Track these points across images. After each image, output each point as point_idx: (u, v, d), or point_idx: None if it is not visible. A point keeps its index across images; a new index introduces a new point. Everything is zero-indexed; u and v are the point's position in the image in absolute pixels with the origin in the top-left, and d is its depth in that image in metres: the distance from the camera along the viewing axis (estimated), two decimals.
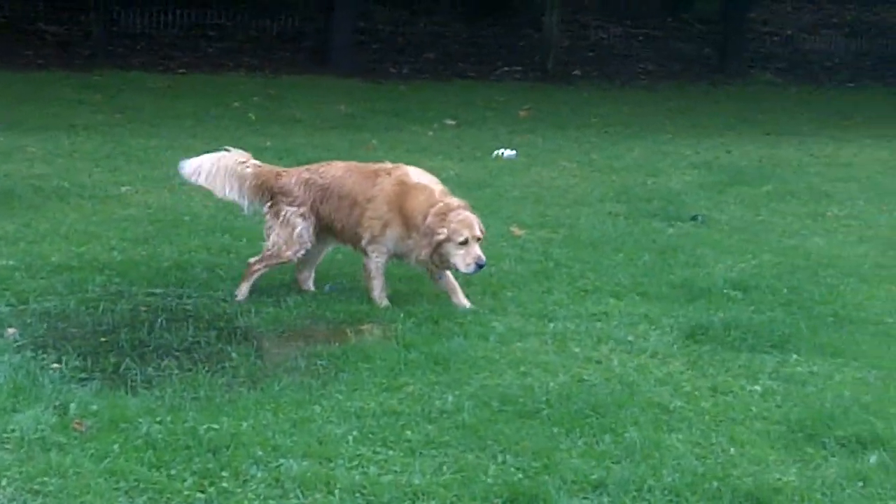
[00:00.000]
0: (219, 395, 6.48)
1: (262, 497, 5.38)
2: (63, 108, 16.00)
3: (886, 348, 7.88)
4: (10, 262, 8.58)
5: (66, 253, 8.91)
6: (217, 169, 8.43)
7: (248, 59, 21.27)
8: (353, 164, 8.67)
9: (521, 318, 8.08)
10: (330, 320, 7.90)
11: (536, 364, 7.21)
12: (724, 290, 8.88)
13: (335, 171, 8.45)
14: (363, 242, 8.30)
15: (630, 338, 7.81)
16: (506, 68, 22.51)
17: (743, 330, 7.93)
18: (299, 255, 8.34)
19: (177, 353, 7.13)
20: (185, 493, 5.38)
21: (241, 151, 8.59)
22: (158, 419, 6.05)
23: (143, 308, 7.85)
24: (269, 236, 8.39)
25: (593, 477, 5.72)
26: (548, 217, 11.10)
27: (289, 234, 8.29)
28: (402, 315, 7.96)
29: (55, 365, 6.77)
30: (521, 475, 5.71)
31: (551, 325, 7.97)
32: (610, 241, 10.28)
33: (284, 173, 8.52)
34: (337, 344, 7.41)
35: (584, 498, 5.57)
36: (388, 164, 8.51)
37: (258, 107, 16.99)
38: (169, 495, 5.35)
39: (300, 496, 5.42)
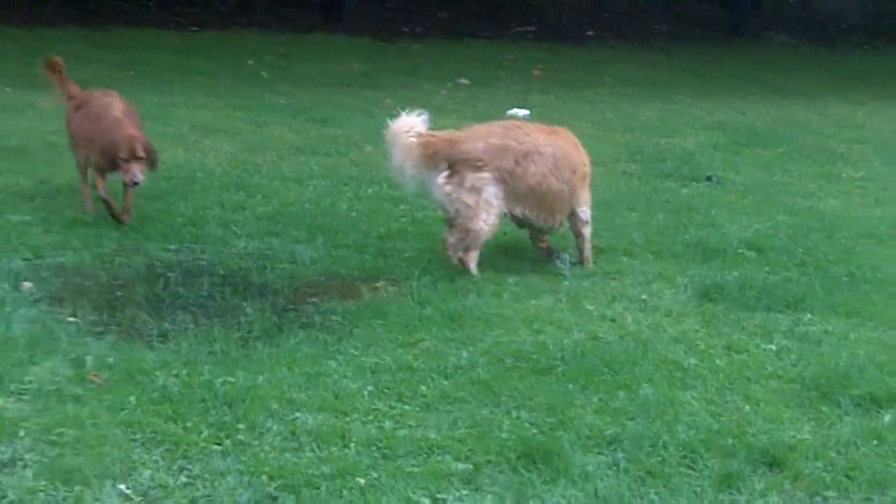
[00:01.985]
0: (234, 350, 6.52)
1: (277, 449, 5.42)
2: (75, 65, 15.79)
3: None
4: (26, 218, 8.60)
5: (81, 208, 8.92)
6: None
7: (260, 16, 21.16)
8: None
9: (535, 275, 8.11)
10: (344, 277, 7.92)
11: (550, 321, 7.24)
12: (739, 250, 8.90)
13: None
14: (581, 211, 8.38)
15: (644, 296, 7.83)
16: (519, 28, 22.41)
17: (757, 289, 7.96)
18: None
19: (192, 308, 7.16)
20: (202, 444, 5.42)
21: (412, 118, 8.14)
22: (174, 372, 6.10)
23: (159, 263, 7.88)
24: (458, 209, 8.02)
25: (608, 433, 5.76)
26: None
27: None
28: (416, 272, 7.98)
29: (71, 318, 6.81)
30: (535, 430, 5.75)
31: (565, 283, 8.00)
32: (624, 200, 10.28)
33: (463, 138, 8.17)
34: (352, 300, 7.45)
35: (599, 453, 5.60)
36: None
37: (271, 65, 16.93)
38: (185, 447, 5.39)
39: (316, 449, 5.46)
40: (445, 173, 7.98)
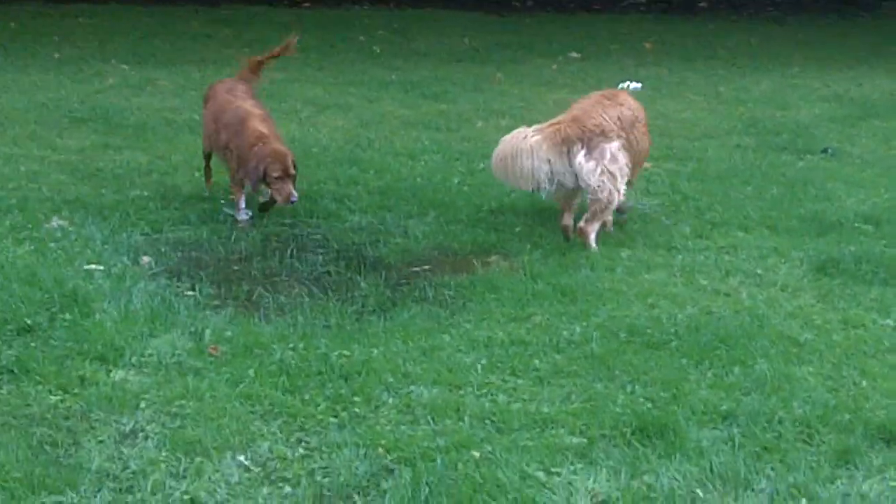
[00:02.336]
0: (349, 324, 6.58)
1: (393, 422, 5.46)
2: (192, 42, 16.16)
3: None
4: (145, 193, 8.74)
5: (198, 184, 9.04)
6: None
7: None
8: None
9: (649, 250, 8.06)
10: (457, 251, 7.94)
11: (664, 296, 7.20)
12: (856, 224, 8.77)
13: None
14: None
15: (759, 271, 7.76)
16: (631, 1, 22.26)
17: (874, 264, 7.84)
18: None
19: (307, 282, 7.24)
20: (319, 417, 5.48)
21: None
22: (291, 346, 6.17)
23: (274, 238, 7.97)
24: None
25: (723, 408, 5.72)
26: (675, 150, 11.01)
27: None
28: (528, 246, 7.99)
29: (189, 292, 6.91)
30: (650, 405, 5.72)
31: (679, 257, 7.94)
32: (738, 173, 10.18)
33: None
34: (464, 274, 7.47)
35: (714, 428, 5.56)
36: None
37: (382, 40, 17.01)
38: (303, 419, 5.45)
39: (431, 422, 5.49)
40: (583, 151, 7.96)
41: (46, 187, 8.76)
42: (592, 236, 8.03)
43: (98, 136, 10.40)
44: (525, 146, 7.93)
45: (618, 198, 8.06)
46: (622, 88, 13.78)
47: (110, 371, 5.79)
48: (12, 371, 5.70)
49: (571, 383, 5.95)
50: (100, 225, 7.93)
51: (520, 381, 5.96)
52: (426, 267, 7.60)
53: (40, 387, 5.59)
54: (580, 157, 7.94)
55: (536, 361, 6.17)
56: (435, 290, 7.17)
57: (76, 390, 5.58)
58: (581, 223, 8.04)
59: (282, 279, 7.28)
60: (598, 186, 7.95)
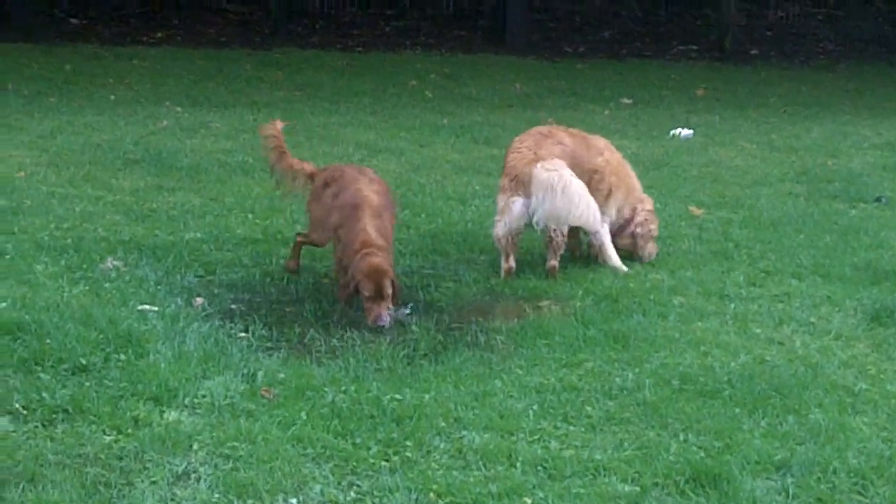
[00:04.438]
0: (400, 367, 6.57)
1: (445, 467, 5.44)
2: (245, 84, 16.28)
3: None
4: (198, 235, 8.78)
5: (251, 226, 9.08)
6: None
7: (424, 37, 21.38)
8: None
9: (701, 297, 8.03)
10: (508, 296, 7.94)
11: (717, 344, 7.15)
12: None
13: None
14: None
15: (812, 319, 7.70)
16: (682, 47, 22.27)
17: None
18: None
19: (359, 325, 7.23)
20: (371, 461, 5.47)
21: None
22: (343, 388, 6.17)
23: (326, 280, 7.98)
24: None
25: (777, 458, 5.67)
26: (727, 197, 10.97)
27: None
28: (580, 292, 7.97)
29: (242, 334, 6.92)
30: (703, 454, 5.68)
31: (731, 305, 7.90)
32: (790, 221, 10.12)
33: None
34: (516, 320, 7.45)
35: (768, 478, 5.52)
36: None
37: (435, 85, 17.09)
38: (354, 463, 5.44)
39: (483, 468, 5.46)
40: None
41: (101, 227, 8.81)
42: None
43: (152, 178, 10.46)
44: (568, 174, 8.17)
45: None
46: (674, 135, 13.81)
47: (164, 412, 5.80)
48: (67, 410, 5.72)
49: (624, 430, 5.92)
50: (154, 266, 7.97)
51: (572, 428, 5.93)
52: (478, 316, 7.58)
53: (94, 426, 5.61)
54: None
55: (588, 408, 6.14)
56: (486, 335, 7.16)
57: (130, 431, 5.59)
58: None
59: (334, 322, 7.28)
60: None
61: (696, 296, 8.05)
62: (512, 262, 8.30)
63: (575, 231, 8.51)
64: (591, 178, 8.52)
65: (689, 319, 7.57)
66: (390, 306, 7.28)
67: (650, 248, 8.85)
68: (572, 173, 8.19)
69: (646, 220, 8.81)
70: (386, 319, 7.22)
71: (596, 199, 8.39)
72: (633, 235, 8.80)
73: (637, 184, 8.96)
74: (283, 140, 8.15)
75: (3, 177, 10.13)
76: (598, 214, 8.27)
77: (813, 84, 19.38)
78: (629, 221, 8.80)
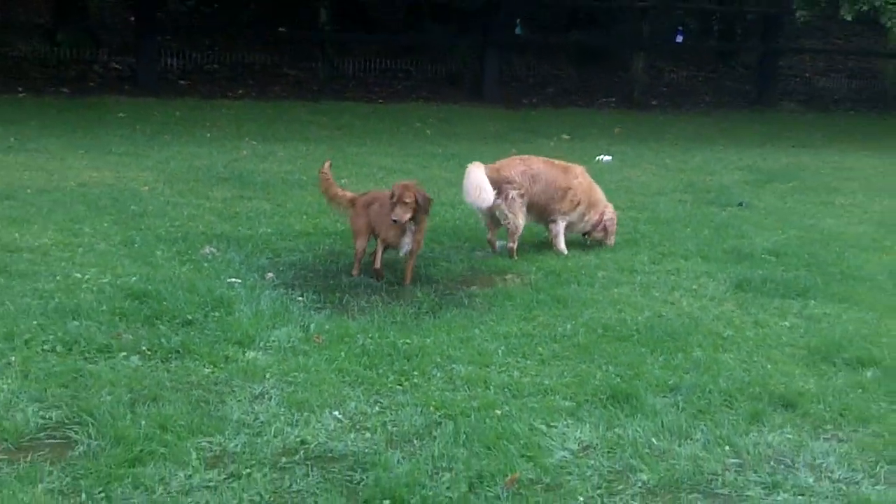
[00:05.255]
0: (409, 321, 6.56)
1: (441, 389, 5.45)
2: (299, 126, 16.23)
3: (878, 296, 7.67)
4: (269, 230, 8.75)
5: (306, 224, 9.06)
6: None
7: (425, 93, 21.31)
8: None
9: (617, 271, 8.03)
10: (484, 272, 7.92)
11: (628, 304, 7.16)
12: (762, 256, 8.71)
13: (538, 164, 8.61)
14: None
15: (695, 287, 7.71)
16: (604, 99, 22.24)
17: (776, 283, 7.78)
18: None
19: (381, 292, 7.22)
20: (389, 385, 5.47)
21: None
22: (370, 335, 6.16)
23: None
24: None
25: (670, 382, 5.69)
26: (635, 203, 10.97)
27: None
28: (534, 268, 7.97)
29: (300, 298, 6.91)
30: (619, 380, 5.68)
31: (638, 277, 7.90)
32: (680, 219, 10.12)
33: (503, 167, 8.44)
34: (489, 288, 7.45)
35: (664, 397, 5.52)
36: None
37: (433, 126, 17.03)
38: (378, 387, 5.45)
39: (467, 389, 5.47)
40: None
41: (201, 225, 8.79)
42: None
43: (236, 191, 10.44)
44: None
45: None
46: (598, 160, 13.79)
47: (245, 352, 5.80)
48: (178, 351, 5.73)
49: (564, 364, 5.93)
50: (238, 251, 7.96)
51: (528, 362, 5.94)
52: (463, 285, 7.57)
53: (197, 362, 5.62)
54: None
55: (540, 349, 6.15)
56: (469, 298, 7.16)
57: (222, 365, 5.60)
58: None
59: (363, 290, 7.27)
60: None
61: (613, 270, 8.05)
62: (489, 236, 8.51)
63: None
64: (566, 192, 8.58)
65: (609, 287, 7.57)
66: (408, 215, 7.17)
67: (612, 239, 8.89)
68: (480, 170, 8.16)
69: (611, 219, 8.87)
70: (400, 216, 7.14)
71: (564, 205, 8.56)
72: (605, 229, 8.84)
73: (602, 197, 8.94)
74: (331, 176, 7.94)
75: (134, 190, 10.11)
76: (488, 199, 8.15)
77: (696, 125, 19.34)
78: (599, 221, 8.81)
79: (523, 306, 6.97)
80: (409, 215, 7.25)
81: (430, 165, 12.86)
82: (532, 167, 8.55)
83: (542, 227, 8.80)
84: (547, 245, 8.73)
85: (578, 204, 8.70)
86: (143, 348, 5.74)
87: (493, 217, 8.49)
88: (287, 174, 11.53)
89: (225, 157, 12.59)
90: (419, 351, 5.95)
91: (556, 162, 8.90)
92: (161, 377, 5.39)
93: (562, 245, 8.68)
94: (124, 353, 5.64)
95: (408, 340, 6.11)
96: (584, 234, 8.95)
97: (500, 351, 6.07)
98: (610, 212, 8.92)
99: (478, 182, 8.12)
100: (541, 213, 8.63)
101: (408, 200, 7.22)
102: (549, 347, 6.19)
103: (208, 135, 14.59)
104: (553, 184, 8.55)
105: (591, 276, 7.81)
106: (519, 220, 8.41)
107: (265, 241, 8.38)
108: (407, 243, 7.44)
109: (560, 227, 8.67)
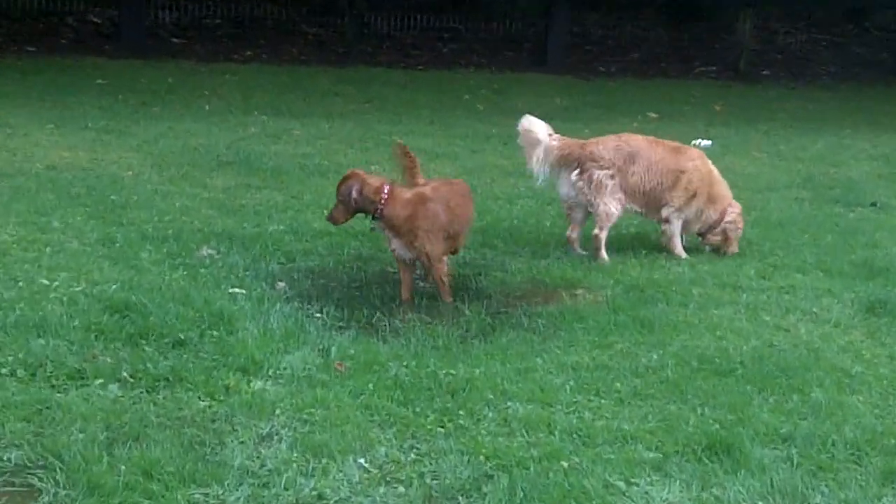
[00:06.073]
0: (455, 346, 6.56)
1: (492, 434, 5.43)
2: (321, 98, 16.32)
3: None
4: (280, 227, 8.80)
5: (327, 221, 9.06)
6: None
7: (476, 58, 21.36)
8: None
9: (717, 288, 7.97)
10: (548, 285, 7.91)
11: (731, 329, 7.10)
12: None
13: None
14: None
15: (815, 309, 7.63)
16: (702, 68, 22.15)
17: None
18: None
19: (419, 309, 7.23)
20: (428, 427, 5.46)
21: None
22: (405, 363, 6.16)
23: (390, 269, 7.94)
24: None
25: (782, 430, 5.62)
26: (740, 200, 10.78)
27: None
28: (611, 282, 7.94)
29: (318, 314, 6.93)
30: (717, 426, 5.63)
31: (744, 295, 7.84)
32: (796, 222, 10.05)
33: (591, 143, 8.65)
34: (554, 305, 7.43)
35: (775, 448, 5.47)
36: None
37: (485, 99, 17.07)
38: (414, 428, 5.44)
39: (525, 434, 5.45)
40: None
41: (197, 220, 8.86)
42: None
43: (241, 178, 10.51)
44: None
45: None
46: (694, 146, 13.70)
47: (251, 381, 5.82)
48: (167, 379, 5.75)
49: (648, 404, 5.89)
50: (242, 254, 8.00)
51: (603, 401, 5.90)
52: (522, 301, 7.56)
53: (191, 393, 5.64)
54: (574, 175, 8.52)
55: (618, 384, 6.11)
56: (529, 318, 7.14)
57: (221, 397, 5.62)
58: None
59: (396, 305, 7.29)
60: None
61: (712, 287, 8.00)
62: (570, 232, 8.71)
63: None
64: (678, 178, 8.64)
65: (706, 307, 7.52)
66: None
67: (734, 246, 8.89)
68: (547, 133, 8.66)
69: (734, 221, 8.86)
70: (333, 217, 7.45)
71: (677, 194, 8.63)
72: (724, 231, 8.84)
73: (726, 192, 8.97)
74: (417, 163, 7.91)
75: (114, 176, 10.22)
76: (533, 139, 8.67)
77: (817, 102, 19.20)
78: (718, 222, 8.84)
79: (597, 330, 6.93)
80: (344, 217, 7.40)
81: (481, 149, 12.87)
82: (630, 143, 8.59)
83: (633, 224, 8.78)
84: (632, 249, 8.70)
85: (695, 195, 8.69)
86: (124, 374, 5.76)
87: (576, 206, 8.56)
88: (305, 158, 11.58)
89: (228, 135, 12.68)
90: (466, 384, 5.92)
91: (665, 141, 8.91)
92: (146, 411, 5.40)
93: (679, 248, 8.72)
94: (101, 381, 5.66)
95: (452, 371, 6.10)
96: (699, 236, 8.93)
97: (567, 386, 6.04)
98: (734, 211, 8.91)
99: (529, 126, 8.42)
100: (647, 203, 8.69)
101: (339, 197, 7.33)
102: (629, 383, 6.14)
103: (207, 107, 14.71)
104: (659, 165, 8.57)
105: (683, 294, 7.76)
106: (610, 206, 8.48)
107: (276, 241, 8.42)
108: (402, 255, 7.38)
109: (676, 226, 8.72)
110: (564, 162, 8.57)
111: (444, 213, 7.36)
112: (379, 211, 7.28)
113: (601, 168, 8.45)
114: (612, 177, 8.45)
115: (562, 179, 8.64)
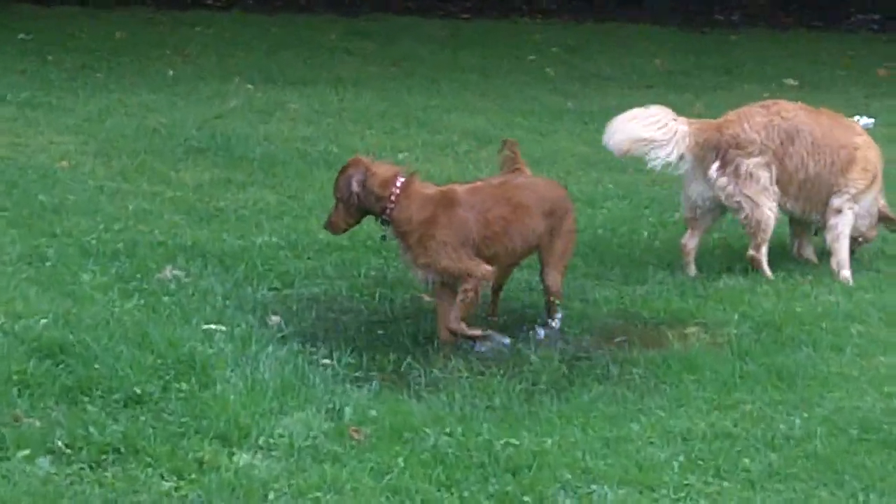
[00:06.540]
0: (517, 405, 6.57)
1: None
2: (328, 57, 16.36)
3: None
4: (274, 240, 8.83)
5: (324, 228, 9.08)
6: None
7: (544, 3, 21.36)
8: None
9: (885, 326, 7.94)
10: (647, 320, 7.92)
11: None
12: None
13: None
14: None
15: None
16: (861, 16, 22.04)
17: None
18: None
19: (466, 353, 7.24)
20: None
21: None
22: (448, 430, 6.16)
23: (427, 297, 7.96)
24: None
25: None
26: None
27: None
28: (735, 317, 7.93)
29: (326, 360, 6.95)
30: None
31: None
32: None
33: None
34: (656, 349, 7.43)
35: None
36: None
37: (557, 60, 17.07)
38: None
39: None
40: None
41: (158, 230, 8.91)
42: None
43: (219, 170, 10.56)
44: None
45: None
46: None
47: (233, 454, 5.83)
48: (118, 450, 5.77)
49: (790, 489, 5.86)
50: (221, 277, 8.04)
51: (726, 484, 5.88)
52: (621, 338, 7.57)
53: (150, 469, 5.65)
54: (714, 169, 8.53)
55: (747, 460, 6.09)
56: (620, 367, 7.15)
57: (193, 476, 5.62)
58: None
59: (435, 348, 7.30)
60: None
61: (877, 324, 7.96)
62: (686, 239, 8.81)
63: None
64: (852, 155, 8.73)
65: (869, 353, 7.49)
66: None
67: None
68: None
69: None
70: (331, 224, 7.54)
71: (853, 177, 8.75)
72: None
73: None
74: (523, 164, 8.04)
75: (43, 168, 10.28)
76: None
77: None
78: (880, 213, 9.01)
79: (716, 384, 6.92)
80: (346, 221, 7.48)
81: (552, 130, 12.88)
82: (786, 117, 8.60)
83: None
84: (759, 277, 8.67)
85: (875, 179, 8.78)
86: (59, 444, 5.78)
87: (697, 207, 8.60)
88: (305, 143, 11.61)
89: (200, 111, 12.73)
90: (534, 460, 5.92)
91: (823, 110, 8.93)
92: (88, 495, 5.42)
93: (844, 252, 8.75)
94: (26, 452, 5.69)
95: (513, 440, 6.09)
96: (857, 240, 9.00)
97: (675, 463, 6.02)
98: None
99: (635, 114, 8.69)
100: (809, 196, 8.73)
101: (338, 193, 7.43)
102: (762, 459, 6.11)
103: (171, 72, 14.78)
104: (827, 140, 8.63)
105: (837, 334, 7.72)
106: (764, 209, 8.51)
107: (268, 259, 8.46)
108: (422, 279, 7.44)
109: (848, 219, 8.73)
110: (699, 152, 8.55)
111: (477, 223, 7.35)
112: (388, 211, 7.28)
113: (750, 156, 8.42)
114: (766, 166, 8.42)
115: (692, 176, 8.61)
